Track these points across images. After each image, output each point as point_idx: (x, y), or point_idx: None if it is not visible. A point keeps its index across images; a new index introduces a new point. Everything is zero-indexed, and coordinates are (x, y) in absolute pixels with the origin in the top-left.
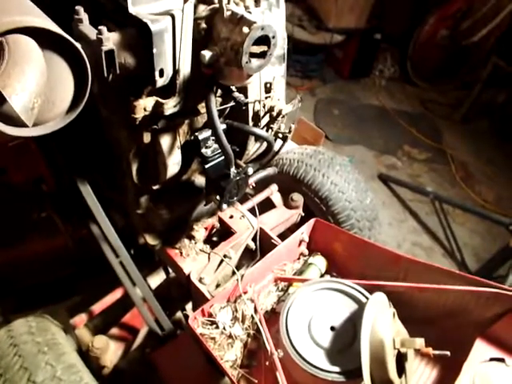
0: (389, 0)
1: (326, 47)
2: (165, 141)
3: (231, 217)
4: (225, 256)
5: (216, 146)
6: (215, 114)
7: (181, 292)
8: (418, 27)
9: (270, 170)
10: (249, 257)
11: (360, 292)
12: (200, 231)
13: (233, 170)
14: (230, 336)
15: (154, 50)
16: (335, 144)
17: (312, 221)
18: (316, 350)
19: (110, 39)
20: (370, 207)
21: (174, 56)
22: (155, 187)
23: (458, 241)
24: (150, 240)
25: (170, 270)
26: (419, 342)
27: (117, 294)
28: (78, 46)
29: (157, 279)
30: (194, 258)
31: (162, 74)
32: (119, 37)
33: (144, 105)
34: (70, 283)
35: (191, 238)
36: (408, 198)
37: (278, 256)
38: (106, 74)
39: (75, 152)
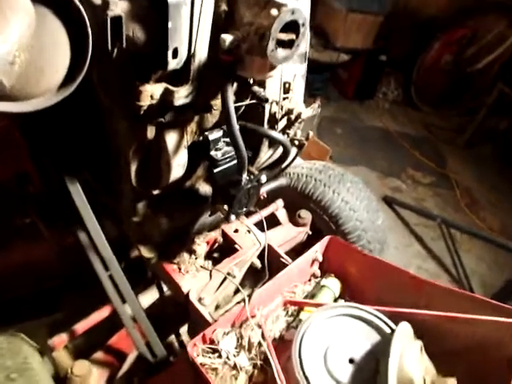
0: (394, 24)
1: (331, 66)
2: (171, 138)
3: (236, 231)
4: (228, 274)
5: (227, 148)
6: (232, 107)
7: (176, 312)
8: (423, 52)
9: (282, 181)
10: (252, 277)
11: (382, 320)
12: (201, 245)
13: (245, 175)
14: (235, 367)
15: (170, 25)
16: (337, 163)
17: (327, 238)
18: None
19: (118, 5)
20: (382, 228)
21: (191, 36)
22: (155, 192)
23: (465, 268)
24: (146, 252)
25: (165, 289)
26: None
27: (104, 312)
28: (79, 5)
29: (149, 298)
30: (193, 275)
31: (175, 54)
32: (129, 5)
33: (151, 91)
34: (53, 297)
35: (191, 252)
36: (413, 222)
37: (288, 277)
38: (109, 47)
39: (66, 146)
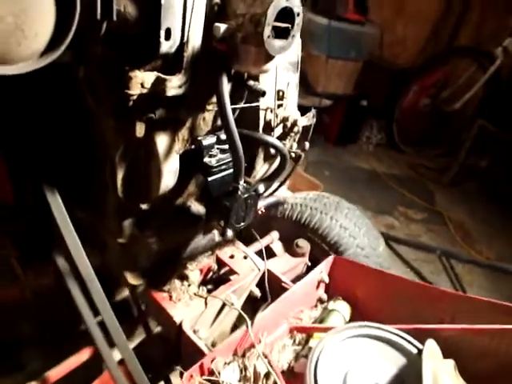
0: (371, 72)
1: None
2: (161, 140)
3: (232, 257)
4: (224, 303)
5: (222, 156)
6: (227, 100)
7: (165, 353)
8: (401, 97)
9: (279, 197)
10: (251, 308)
11: (404, 339)
12: (194, 271)
13: (242, 182)
14: None
15: (163, 1)
16: None
17: (331, 258)
18: None
19: None
20: (384, 256)
21: (184, 19)
22: (144, 206)
23: None
24: (132, 279)
25: (153, 327)
26: None
27: (82, 356)
28: None
29: (135, 338)
30: (186, 304)
31: (168, 35)
32: None
33: (142, 79)
34: (23, 348)
35: (184, 278)
36: (411, 258)
37: (292, 300)
38: (98, 16)
39: (46, 153)
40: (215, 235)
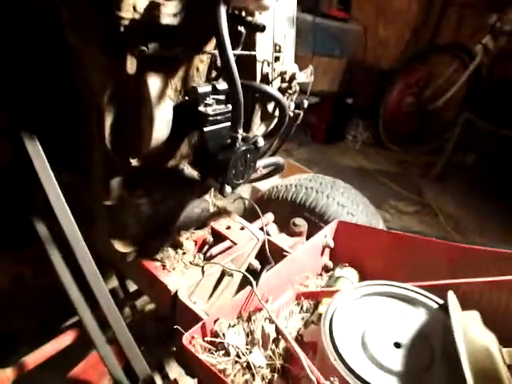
0: (355, 72)
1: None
2: (154, 82)
3: (228, 228)
4: (223, 272)
5: (218, 106)
6: (226, 31)
7: (159, 333)
8: (385, 96)
9: (279, 159)
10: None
11: (421, 294)
12: (190, 240)
13: (241, 131)
14: (248, 367)
15: None
16: None
17: (335, 222)
18: (383, 375)
19: None
20: None
21: None
22: (134, 162)
23: None
24: (121, 246)
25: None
26: None
27: (65, 340)
28: None
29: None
30: (182, 272)
31: None
32: None
33: (134, 1)
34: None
35: (178, 246)
36: None
37: (297, 264)
38: None
39: (24, 103)
40: (209, 204)
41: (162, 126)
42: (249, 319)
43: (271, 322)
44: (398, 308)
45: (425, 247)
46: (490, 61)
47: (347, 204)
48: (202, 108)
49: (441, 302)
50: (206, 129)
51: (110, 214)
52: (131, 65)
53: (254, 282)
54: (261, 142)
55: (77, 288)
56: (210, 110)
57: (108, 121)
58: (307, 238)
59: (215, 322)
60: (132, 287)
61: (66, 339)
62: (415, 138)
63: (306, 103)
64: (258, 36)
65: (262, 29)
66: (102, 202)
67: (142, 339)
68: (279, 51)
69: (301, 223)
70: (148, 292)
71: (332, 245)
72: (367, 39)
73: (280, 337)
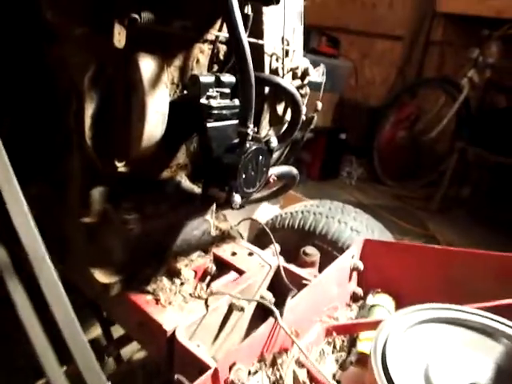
0: (348, 110)
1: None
2: (147, 64)
3: (234, 254)
4: (231, 306)
5: (223, 101)
6: (236, 4)
7: None
8: (378, 132)
9: (292, 169)
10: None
11: (489, 319)
12: (188, 268)
13: (252, 126)
14: None
15: None
16: None
17: (360, 242)
18: None
19: None
20: None
21: None
22: (121, 166)
23: None
24: (103, 276)
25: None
26: None
27: None
28: None
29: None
30: (180, 307)
31: None
32: None
33: None
34: None
35: (174, 275)
36: None
37: (323, 292)
38: None
39: None
40: (210, 226)
41: (156, 120)
42: (274, 363)
43: (301, 365)
44: (466, 337)
45: (470, 261)
46: (478, 92)
47: (361, 229)
48: (204, 100)
49: None
50: (209, 124)
51: (89, 235)
52: (119, 36)
53: (277, 313)
54: (274, 142)
55: (43, 334)
56: (213, 103)
57: (89, 110)
58: (320, 269)
59: (230, 368)
60: (117, 331)
61: None
62: (410, 172)
63: (319, 105)
64: (266, 24)
65: (277, 0)
66: (79, 219)
67: None
68: (288, 45)
69: (312, 252)
70: (137, 335)
71: (361, 267)
72: (357, 76)
73: None
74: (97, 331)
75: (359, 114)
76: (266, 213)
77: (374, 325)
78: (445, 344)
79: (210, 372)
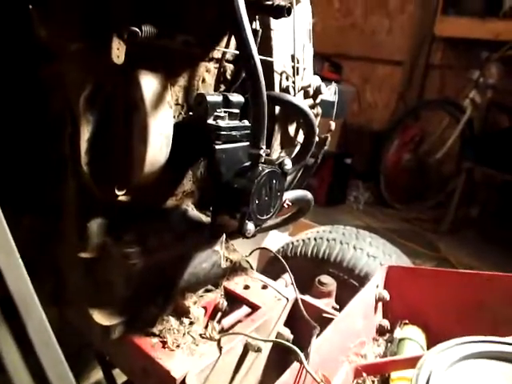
0: (352, 135)
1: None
2: (149, 82)
3: (246, 288)
4: (246, 347)
5: (232, 122)
6: (244, 13)
7: None
8: (383, 156)
9: (307, 193)
10: (280, 362)
11: None
12: (198, 306)
13: (264, 148)
14: None
15: None
16: None
17: (383, 269)
18: None
19: None
20: None
21: None
22: (121, 195)
23: None
24: (103, 318)
25: None
26: None
27: None
28: None
29: None
30: (190, 350)
31: None
32: None
33: None
34: None
35: (183, 314)
36: None
37: (349, 327)
38: None
39: None
40: (220, 258)
41: (159, 143)
42: None
43: None
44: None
45: (503, 286)
46: (480, 113)
47: (378, 255)
48: (211, 121)
49: None
50: (217, 146)
51: (87, 271)
52: (118, 52)
53: (302, 356)
54: (288, 165)
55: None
56: (222, 123)
57: (85, 134)
58: (336, 299)
59: None
60: (121, 376)
61: None
62: (417, 194)
63: (333, 125)
64: (275, 41)
65: (288, 11)
66: (76, 254)
67: None
68: (298, 63)
69: (329, 281)
70: (142, 382)
71: (387, 296)
72: (360, 101)
73: None
74: (98, 375)
75: (363, 138)
76: (275, 241)
77: (408, 362)
78: (487, 381)
79: None
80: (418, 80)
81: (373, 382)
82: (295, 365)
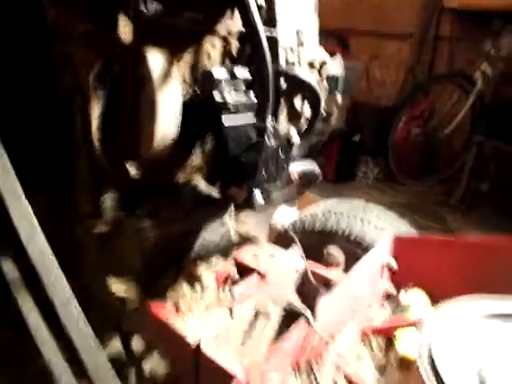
0: (361, 111)
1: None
2: (156, 58)
3: (256, 257)
4: (257, 313)
5: (238, 97)
6: None
7: None
8: (392, 132)
9: (313, 163)
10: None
11: None
12: (209, 273)
13: (270, 121)
14: None
15: None
16: None
17: (389, 239)
18: None
19: None
20: None
21: None
22: (132, 169)
23: None
24: (118, 289)
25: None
26: None
27: None
28: None
29: None
30: (203, 316)
31: None
32: None
33: None
34: None
35: (195, 281)
36: None
37: (355, 288)
38: None
39: None
40: (230, 229)
41: (168, 117)
42: (309, 369)
43: (338, 370)
44: None
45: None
46: (491, 85)
47: (386, 227)
48: (218, 96)
49: None
50: (226, 123)
51: (102, 245)
52: (125, 30)
53: (309, 316)
54: (295, 137)
55: (59, 353)
56: (228, 98)
57: (95, 110)
58: (346, 272)
59: (263, 376)
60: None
61: None
62: (426, 169)
63: (339, 98)
64: (279, 14)
65: None
66: (91, 230)
67: None
68: (303, 36)
69: (335, 252)
70: (159, 348)
71: (395, 265)
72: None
73: None
74: (116, 345)
75: (372, 114)
76: (284, 215)
77: (414, 324)
78: (497, 341)
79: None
80: (427, 53)
81: (379, 343)
82: (302, 324)
